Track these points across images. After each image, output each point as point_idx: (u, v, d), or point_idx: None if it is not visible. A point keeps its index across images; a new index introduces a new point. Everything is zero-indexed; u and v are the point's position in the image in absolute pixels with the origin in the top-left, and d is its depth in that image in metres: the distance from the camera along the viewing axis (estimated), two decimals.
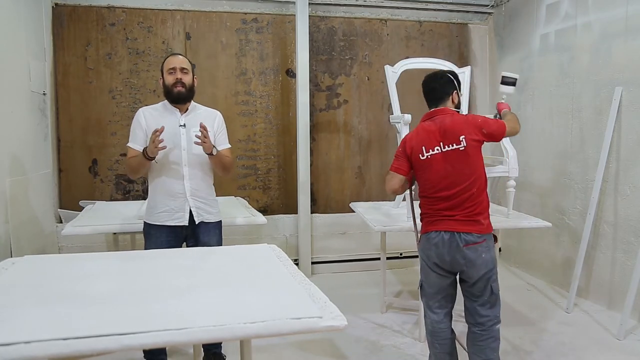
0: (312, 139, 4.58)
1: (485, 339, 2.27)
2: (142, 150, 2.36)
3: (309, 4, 4.36)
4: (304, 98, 4.35)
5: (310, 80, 4.41)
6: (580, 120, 3.79)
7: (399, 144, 3.29)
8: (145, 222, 2.51)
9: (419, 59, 3.62)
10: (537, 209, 4.18)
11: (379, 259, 3.89)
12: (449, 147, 2.23)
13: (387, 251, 3.57)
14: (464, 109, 3.49)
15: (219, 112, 2.61)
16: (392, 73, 3.37)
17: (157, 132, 2.24)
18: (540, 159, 4.19)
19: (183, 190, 2.44)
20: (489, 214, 2.29)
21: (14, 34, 3.37)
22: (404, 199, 3.16)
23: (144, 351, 2.49)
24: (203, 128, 2.29)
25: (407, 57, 3.66)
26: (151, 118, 2.46)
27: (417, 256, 2.51)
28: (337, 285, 4.16)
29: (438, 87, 2.37)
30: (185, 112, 2.49)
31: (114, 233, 3.04)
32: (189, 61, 2.54)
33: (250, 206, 3.44)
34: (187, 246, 2.51)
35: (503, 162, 3.00)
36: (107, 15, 4.18)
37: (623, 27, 3.39)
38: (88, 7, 4.14)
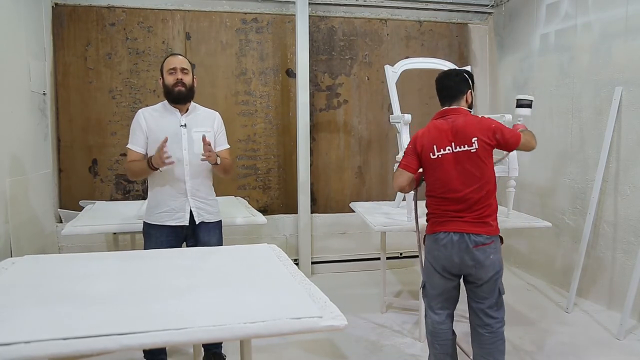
0: (312, 139, 4.58)
1: (494, 342, 2.26)
2: (146, 158, 2.36)
3: (309, 4, 4.36)
4: (304, 98, 4.35)
5: (310, 80, 4.41)
6: (580, 120, 3.79)
7: (398, 144, 3.31)
8: (145, 222, 2.50)
9: (419, 59, 3.63)
10: (537, 209, 4.18)
11: (379, 259, 3.89)
12: (460, 148, 2.20)
13: (387, 251, 3.57)
14: None
15: (217, 113, 2.62)
16: (392, 73, 3.37)
17: (164, 144, 2.23)
18: (540, 159, 4.19)
19: (184, 190, 2.44)
20: (496, 217, 2.27)
21: (14, 34, 3.37)
22: (404, 199, 3.15)
23: (144, 351, 2.49)
24: (207, 144, 2.30)
25: (407, 57, 3.67)
26: (151, 119, 2.45)
27: (417, 256, 2.51)
28: (337, 285, 4.16)
29: (453, 85, 2.34)
30: (186, 112, 2.49)
31: (114, 233, 3.04)
32: (189, 61, 2.54)
33: (250, 206, 3.44)
34: (187, 246, 2.51)
35: (503, 162, 3.00)
36: (107, 15, 4.18)
37: (623, 27, 3.39)
38: (88, 7, 4.14)
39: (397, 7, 4.77)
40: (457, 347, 2.43)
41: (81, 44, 4.15)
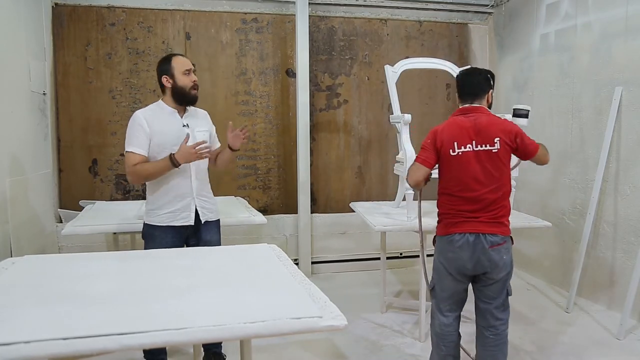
0: (312, 138, 4.58)
1: (498, 344, 2.25)
2: (169, 157, 2.30)
3: (309, 3, 4.36)
4: (304, 98, 4.35)
5: (310, 80, 4.41)
6: (580, 120, 3.79)
7: (398, 144, 3.31)
8: (147, 224, 2.45)
9: (419, 59, 3.63)
10: (537, 209, 4.18)
11: (379, 258, 3.89)
12: (481, 146, 2.16)
13: (387, 251, 3.57)
14: None
15: (207, 111, 2.66)
16: (392, 73, 3.37)
17: (200, 142, 2.30)
18: None
19: (190, 190, 2.44)
20: (509, 218, 2.25)
21: (14, 34, 3.37)
22: (404, 199, 3.15)
23: (144, 351, 2.49)
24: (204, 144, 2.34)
25: (407, 57, 3.67)
26: (153, 121, 2.37)
27: (417, 256, 2.50)
28: (337, 285, 4.16)
29: (477, 83, 2.29)
30: (184, 112, 2.49)
31: (114, 233, 3.03)
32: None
33: (250, 206, 3.44)
34: (189, 245, 2.50)
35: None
36: (107, 15, 4.18)
37: (623, 27, 3.39)
38: (88, 7, 4.14)
39: (397, 7, 4.77)
40: (460, 348, 2.42)
41: (81, 44, 4.15)
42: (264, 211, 4.42)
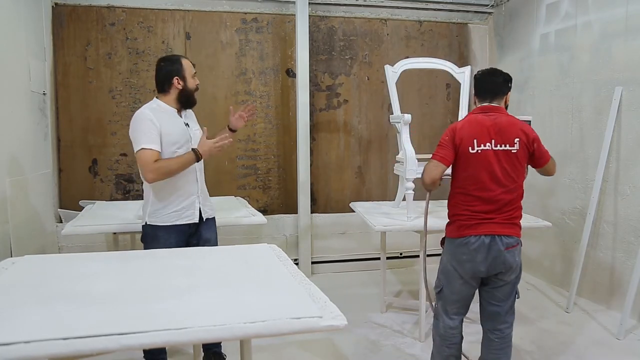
0: (312, 138, 4.58)
1: (503, 347, 2.25)
2: (192, 151, 2.32)
3: (309, 3, 4.36)
4: (304, 98, 4.35)
5: (310, 80, 4.41)
6: (580, 120, 3.79)
7: (398, 144, 3.31)
8: (149, 225, 2.41)
9: (419, 58, 3.63)
10: (537, 209, 4.18)
11: (379, 258, 3.89)
12: (500, 146, 2.14)
13: (387, 251, 3.57)
14: (464, 110, 3.49)
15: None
16: (392, 73, 3.37)
17: (225, 136, 2.37)
18: None
19: (196, 188, 2.45)
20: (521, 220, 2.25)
21: (14, 34, 3.37)
22: (404, 199, 3.15)
23: (144, 351, 2.49)
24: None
25: (407, 57, 3.67)
26: (160, 119, 2.33)
27: (417, 256, 2.49)
28: (337, 285, 4.16)
29: (498, 83, 2.26)
30: (181, 112, 2.50)
31: (114, 233, 3.03)
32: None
33: (250, 206, 3.43)
34: (190, 245, 2.49)
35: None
36: (107, 15, 4.18)
37: (623, 27, 3.39)
38: (88, 6, 4.14)
39: (397, 7, 4.77)
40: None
41: (81, 44, 4.15)
42: (264, 211, 4.42)
